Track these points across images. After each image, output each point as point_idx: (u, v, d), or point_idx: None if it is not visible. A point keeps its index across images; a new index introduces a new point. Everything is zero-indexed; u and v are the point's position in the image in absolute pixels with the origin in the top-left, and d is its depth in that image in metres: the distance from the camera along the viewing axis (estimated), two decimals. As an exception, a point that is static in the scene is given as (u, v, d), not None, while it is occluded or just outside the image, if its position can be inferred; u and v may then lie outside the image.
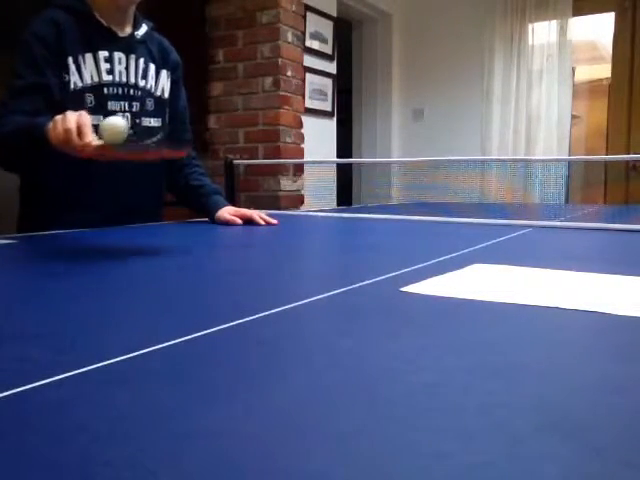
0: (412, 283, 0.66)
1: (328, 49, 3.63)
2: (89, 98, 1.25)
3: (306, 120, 3.39)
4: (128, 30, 1.33)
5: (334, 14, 3.67)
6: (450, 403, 0.32)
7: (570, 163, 3.81)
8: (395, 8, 4.32)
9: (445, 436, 0.27)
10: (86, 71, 1.24)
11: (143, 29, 1.36)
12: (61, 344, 0.43)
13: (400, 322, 0.51)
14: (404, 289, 0.63)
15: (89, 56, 1.25)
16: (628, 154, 3.56)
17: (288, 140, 3.23)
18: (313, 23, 3.45)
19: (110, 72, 1.27)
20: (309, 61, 3.44)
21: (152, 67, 1.36)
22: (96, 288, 0.66)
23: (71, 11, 1.26)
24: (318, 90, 3.59)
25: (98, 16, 1.27)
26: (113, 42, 1.29)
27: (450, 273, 0.73)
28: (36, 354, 0.40)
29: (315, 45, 3.51)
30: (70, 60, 1.23)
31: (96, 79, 1.25)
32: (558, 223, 1.49)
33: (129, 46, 1.32)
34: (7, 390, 0.33)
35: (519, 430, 0.28)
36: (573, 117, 4.13)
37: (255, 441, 0.27)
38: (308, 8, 3.37)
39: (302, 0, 3.29)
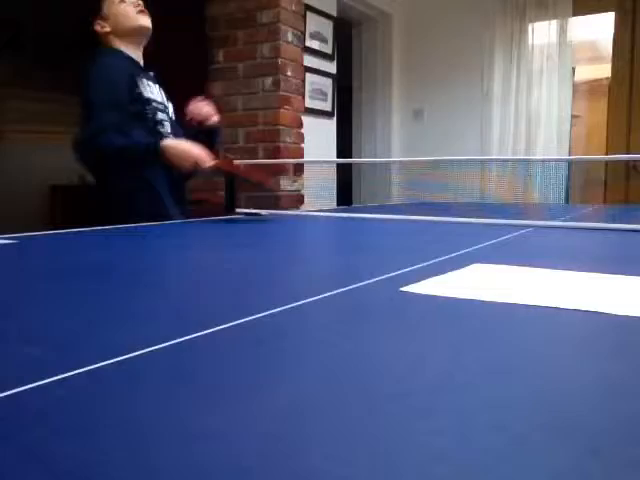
0: (412, 283, 0.66)
1: (328, 49, 3.63)
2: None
3: (306, 120, 3.38)
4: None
5: (334, 14, 3.67)
6: (450, 403, 0.32)
7: (570, 163, 3.81)
8: (395, 8, 4.32)
9: (445, 436, 0.27)
10: (143, 90, 1.68)
11: (151, 73, 1.79)
12: (61, 344, 0.43)
13: (400, 322, 0.51)
14: (404, 289, 0.63)
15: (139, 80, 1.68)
16: (628, 154, 3.56)
17: (288, 140, 3.23)
18: (313, 23, 3.45)
19: (151, 93, 1.71)
20: (309, 61, 3.44)
21: (163, 93, 1.80)
22: (96, 288, 0.66)
23: (117, 53, 1.69)
24: (318, 90, 3.59)
25: (132, 55, 1.71)
26: (145, 75, 1.72)
27: (450, 273, 0.72)
28: (36, 354, 0.40)
29: (315, 45, 3.51)
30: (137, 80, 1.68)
31: (147, 95, 1.68)
32: (558, 223, 1.49)
33: (154, 79, 1.77)
34: (8, 390, 0.33)
35: (519, 430, 0.28)
36: (573, 117, 4.13)
37: (255, 441, 0.27)
38: (308, 8, 3.37)
39: (302, 0, 3.29)
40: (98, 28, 1.70)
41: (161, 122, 1.70)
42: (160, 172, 1.64)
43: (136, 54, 1.73)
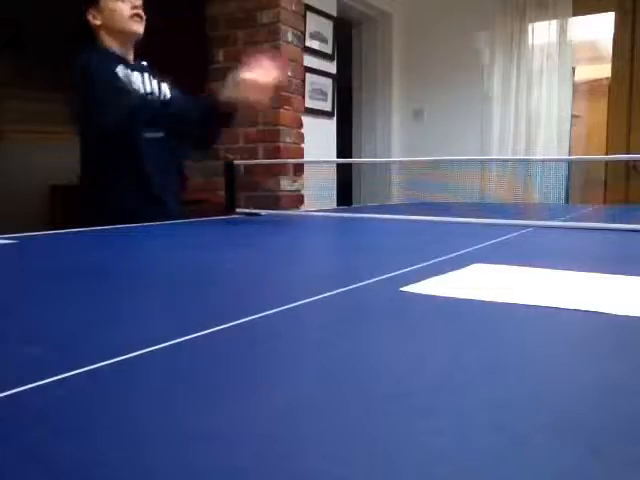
0: (412, 283, 0.66)
1: (328, 49, 3.64)
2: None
3: (306, 120, 3.38)
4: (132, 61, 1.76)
5: (334, 14, 3.67)
6: (450, 403, 0.32)
7: (570, 163, 3.81)
8: (395, 8, 4.32)
9: (445, 436, 0.27)
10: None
11: (144, 62, 1.81)
12: (61, 344, 0.43)
13: (400, 322, 0.51)
14: (404, 289, 0.63)
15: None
16: (628, 154, 3.56)
17: (288, 140, 3.23)
18: (313, 23, 3.45)
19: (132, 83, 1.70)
20: (309, 61, 3.44)
21: (155, 81, 1.78)
22: (96, 288, 0.66)
23: (101, 51, 1.68)
24: (318, 90, 3.59)
25: (116, 50, 1.69)
26: (130, 66, 1.70)
27: (450, 273, 0.72)
28: (36, 354, 0.40)
29: (315, 45, 3.51)
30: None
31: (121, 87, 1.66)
32: (558, 223, 1.49)
33: (141, 69, 1.75)
34: (8, 390, 0.33)
35: (519, 430, 0.28)
36: (573, 117, 4.13)
37: (254, 441, 0.27)
38: (308, 8, 3.37)
39: (302, 0, 3.29)
40: (90, 18, 1.68)
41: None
42: (158, 168, 1.63)
43: (122, 50, 1.71)
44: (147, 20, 1.72)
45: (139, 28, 1.68)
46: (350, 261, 0.91)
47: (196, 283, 0.69)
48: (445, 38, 4.25)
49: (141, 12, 1.67)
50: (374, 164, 4.30)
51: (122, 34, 1.68)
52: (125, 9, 1.64)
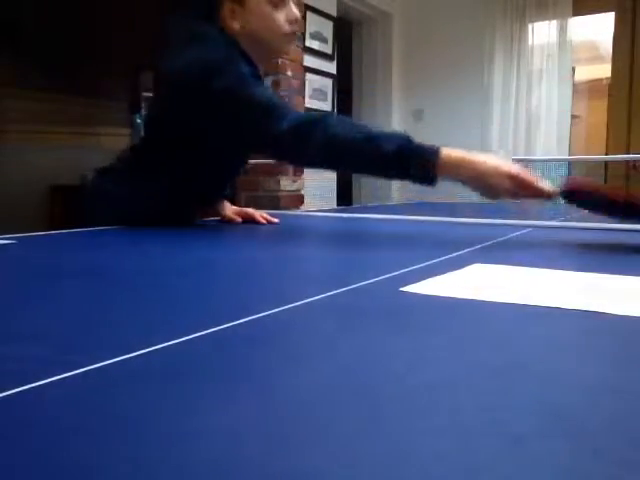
0: (412, 283, 0.66)
1: (328, 49, 3.64)
2: None
3: (306, 120, 3.38)
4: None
5: (334, 14, 3.67)
6: (450, 403, 0.32)
7: (570, 163, 3.82)
8: (395, 8, 4.32)
9: (445, 436, 0.27)
10: None
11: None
12: (60, 344, 0.43)
13: (400, 322, 0.51)
14: (404, 289, 0.63)
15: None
16: (628, 154, 3.56)
17: (288, 140, 3.23)
18: (313, 23, 3.46)
19: None
20: (309, 61, 3.44)
21: None
22: (96, 288, 0.66)
23: (236, 48, 1.23)
24: (318, 90, 3.59)
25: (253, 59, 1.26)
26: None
27: (450, 273, 0.72)
28: (35, 354, 0.40)
29: (315, 45, 3.51)
30: None
31: None
32: (558, 223, 1.49)
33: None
34: (7, 390, 0.33)
35: (519, 430, 0.28)
36: (573, 117, 4.13)
37: (254, 441, 0.27)
38: (308, 8, 3.37)
39: (302, 0, 3.29)
40: (227, 16, 1.24)
41: None
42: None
43: (259, 68, 1.28)
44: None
45: (289, 47, 1.33)
46: (349, 261, 0.91)
47: (195, 283, 0.69)
48: (445, 38, 4.25)
49: (297, 28, 1.29)
50: (374, 164, 4.29)
51: (267, 50, 1.29)
52: (280, 20, 1.25)
